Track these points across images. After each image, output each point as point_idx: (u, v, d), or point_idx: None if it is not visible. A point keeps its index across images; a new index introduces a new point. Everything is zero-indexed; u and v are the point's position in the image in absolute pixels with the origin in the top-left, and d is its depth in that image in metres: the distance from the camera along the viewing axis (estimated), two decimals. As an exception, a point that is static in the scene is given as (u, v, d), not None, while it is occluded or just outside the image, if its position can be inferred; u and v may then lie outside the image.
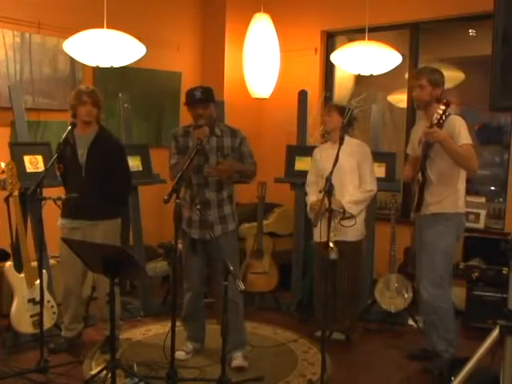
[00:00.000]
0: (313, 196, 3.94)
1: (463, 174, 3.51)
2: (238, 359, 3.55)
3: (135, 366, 3.33)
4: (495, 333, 2.25)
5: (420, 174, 3.48)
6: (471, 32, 5.48)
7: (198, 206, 3.39)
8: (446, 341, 3.52)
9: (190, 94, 3.48)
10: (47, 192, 3.44)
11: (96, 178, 3.63)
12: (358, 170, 3.89)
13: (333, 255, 3.50)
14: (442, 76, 3.55)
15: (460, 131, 3.38)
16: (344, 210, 3.73)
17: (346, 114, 3.27)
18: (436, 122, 3.27)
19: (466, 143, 3.37)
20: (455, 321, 3.63)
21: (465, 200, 3.62)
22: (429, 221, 3.52)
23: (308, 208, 3.99)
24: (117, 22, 4.27)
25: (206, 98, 3.47)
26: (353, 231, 3.82)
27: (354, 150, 3.87)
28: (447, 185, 3.48)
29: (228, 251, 3.38)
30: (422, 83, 3.48)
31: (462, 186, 3.54)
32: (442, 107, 3.26)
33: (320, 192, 3.28)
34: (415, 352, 3.77)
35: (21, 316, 3.70)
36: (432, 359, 3.56)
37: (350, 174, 3.86)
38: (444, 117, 3.26)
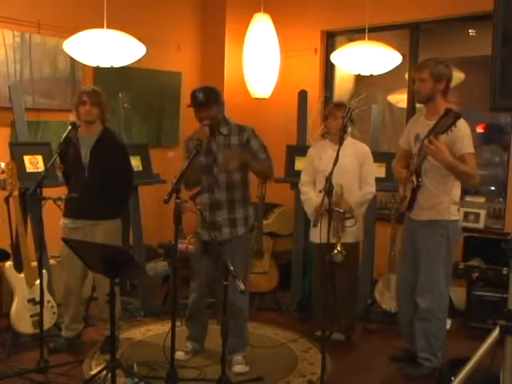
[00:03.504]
0: (316, 197, 3.87)
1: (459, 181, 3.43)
2: (238, 364, 3.54)
3: (135, 366, 3.33)
4: (495, 333, 2.25)
5: (414, 178, 3.37)
6: (471, 32, 5.48)
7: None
8: (431, 348, 3.47)
9: (193, 96, 3.45)
10: (47, 192, 3.44)
11: (99, 178, 3.64)
12: (359, 172, 3.89)
13: (339, 258, 3.50)
14: (448, 69, 3.36)
15: (464, 139, 3.27)
16: (344, 211, 3.71)
17: (346, 115, 3.25)
18: (442, 133, 3.12)
19: (468, 152, 3.27)
20: (446, 330, 3.61)
21: (460, 205, 3.54)
22: (424, 228, 3.44)
23: (311, 210, 3.92)
24: (117, 22, 4.27)
25: (207, 101, 3.42)
26: (352, 233, 3.82)
27: (357, 151, 3.88)
28: (442, 191, 3.38)
29: (238, 255, 3.34)
30: (423, 77, 3.32)
31: (457, 192, 3.44)
32: (451, 119, 3.08)
33: (320, 192, 3.27)
34: (397, 353, 3.76)
35: (21, 316, 3.70)
36: (415, 366, 3.53)
37: (352, 176, 3.86)
38: (453, 128, 3.10)
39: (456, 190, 3.44)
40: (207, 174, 3.49)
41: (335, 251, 3.43)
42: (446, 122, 3.11)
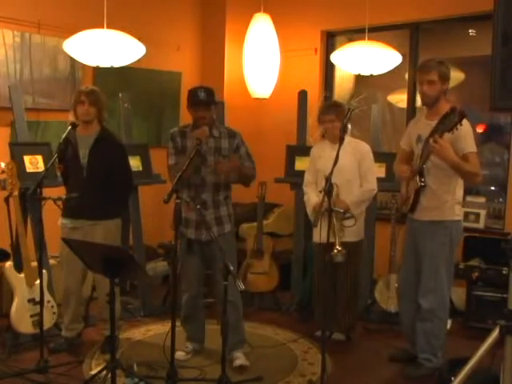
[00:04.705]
0: (315, 197, 3.90)
1: (462, 180, 3.41)
2: (239, 358, 3.55)
3: (135, 366, 3.32)
4: (495, 333, 2.25)
5: (418, 178, 3.35)
6: (471, 32, 5.47)
7: (198, 206, 3.39)
8: (432, 349, 3.47)
9: (194, 94, 3.45)
10: (47, 192, 3.44)
11: (97, 178, 3.64)
12: (358, 169, 3.88)
13: (339, 258, 3.49)
14: (448, 68, 3.34)
15: (466, 138, 3.25)
16: (344, 210, 3.71)
17: (346, 115, 3.25)
18: (448, 131, 3.09)
19: (471, 151, 3.25)
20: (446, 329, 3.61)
21: (462, 205, 3.52)
22: (427, 229, 3.42)
23: (310, 209, 3.94)
24: (117, 22, 4.27)
25: (209, 101, 3.45)
26: (353, 232, 3.80)
27: (354, 149, 3.86)
28: (446, 191, 3.36)
29: (227, 252, 3.35)
30: (433, 78, 3.25)
31: (460, 191, 3.43)
32: (457, 117, 3.04)
33: (320, 192, 3.26)
34: (397, 353, 3.76)
35: (21, 316, 3.70)
36: (415, 366, 3.53)
37: (352, 174, 3.84)
38: (459, 126, 3.07)
39: (459, 189, 3.43)
40: (195, 174, 3.49)
41: (335, 251, 3.42)
42: (452, 120, 3.08)
